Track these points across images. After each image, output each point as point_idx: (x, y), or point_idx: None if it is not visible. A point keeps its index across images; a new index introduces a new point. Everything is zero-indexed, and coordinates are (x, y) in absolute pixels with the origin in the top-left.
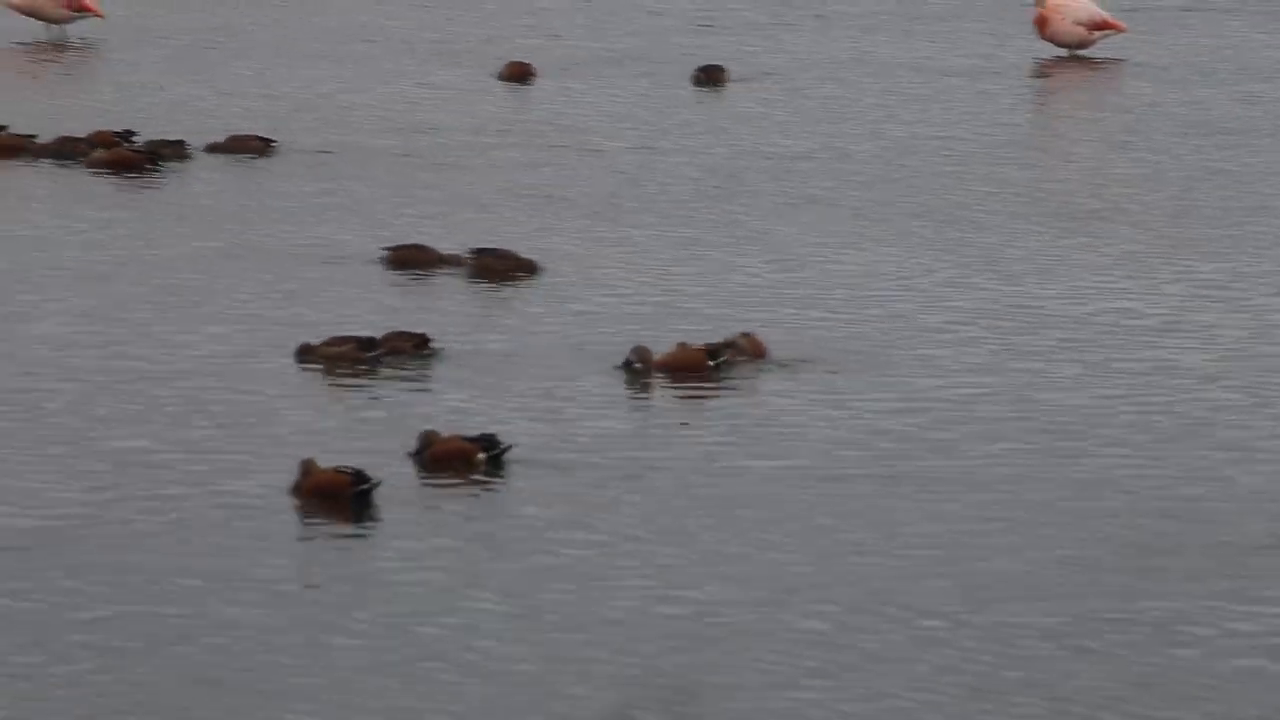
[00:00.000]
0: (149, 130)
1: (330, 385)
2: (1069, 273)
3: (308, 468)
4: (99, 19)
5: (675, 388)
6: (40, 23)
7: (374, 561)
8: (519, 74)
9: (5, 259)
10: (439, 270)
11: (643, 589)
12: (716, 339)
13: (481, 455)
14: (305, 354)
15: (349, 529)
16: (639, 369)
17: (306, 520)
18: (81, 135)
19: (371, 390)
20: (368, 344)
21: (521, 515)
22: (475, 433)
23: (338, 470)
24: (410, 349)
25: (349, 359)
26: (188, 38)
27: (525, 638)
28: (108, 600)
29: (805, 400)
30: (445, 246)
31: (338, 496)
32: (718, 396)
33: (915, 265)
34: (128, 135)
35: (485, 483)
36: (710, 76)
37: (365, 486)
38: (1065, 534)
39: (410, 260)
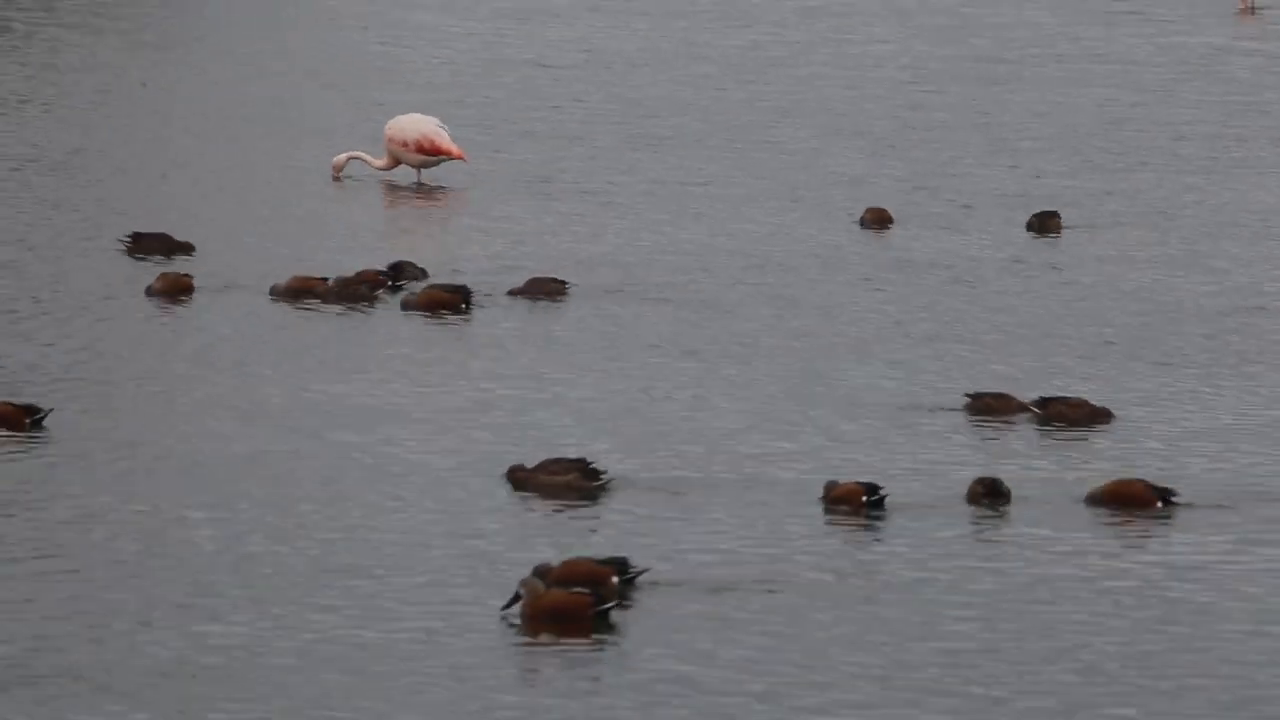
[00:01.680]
0: (441, 274)
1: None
2: None
3: (533, 589)
4: (461, 161)
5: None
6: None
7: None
8: (878, 219)
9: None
10: (1018, 417)
11: None
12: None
13: (614, 579)
14: (518, 481)
15: None
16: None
17: None
18: (352, 276)
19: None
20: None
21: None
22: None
23: (573, 591)
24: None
25: (573, 487)
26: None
27: None
28: None
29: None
30: (1024, 394)
31: (575, 617)
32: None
33: None
34: (393, 275)
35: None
36: (1043, 223)
37: (606, 606)
38: None
39: (991, 408)
